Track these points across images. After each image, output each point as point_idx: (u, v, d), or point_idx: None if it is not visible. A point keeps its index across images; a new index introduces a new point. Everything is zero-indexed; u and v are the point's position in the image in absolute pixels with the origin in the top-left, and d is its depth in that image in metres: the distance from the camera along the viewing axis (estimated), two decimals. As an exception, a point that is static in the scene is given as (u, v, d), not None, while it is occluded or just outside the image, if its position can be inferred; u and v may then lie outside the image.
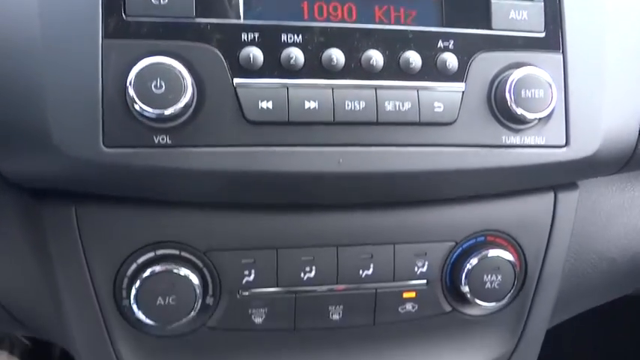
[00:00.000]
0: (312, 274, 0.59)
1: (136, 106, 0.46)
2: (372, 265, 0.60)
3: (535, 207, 0.63)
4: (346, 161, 0.50)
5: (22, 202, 0.56)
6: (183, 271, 0.56)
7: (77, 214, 0.55)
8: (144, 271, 0.55)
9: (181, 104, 0.46)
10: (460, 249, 0.62)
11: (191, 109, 0.48)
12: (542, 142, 0.54)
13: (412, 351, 0.64)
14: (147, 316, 0.55)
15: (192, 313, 0.56)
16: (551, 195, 0.64)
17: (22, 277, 0.59)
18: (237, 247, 0.57)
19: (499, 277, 0.61)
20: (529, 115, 0.52)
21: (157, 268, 0.55)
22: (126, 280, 0.56)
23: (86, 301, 0.56)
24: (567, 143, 0.55)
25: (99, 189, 0.52)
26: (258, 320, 0.59)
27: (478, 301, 0.62)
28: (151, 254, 0.56)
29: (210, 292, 0.58)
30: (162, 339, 0.58)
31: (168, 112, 0.46)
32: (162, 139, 0.48)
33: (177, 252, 0.57)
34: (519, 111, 0.52)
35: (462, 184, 0.56)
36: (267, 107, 0.49)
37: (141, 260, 0.56)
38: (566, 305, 0.73)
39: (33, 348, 1.40)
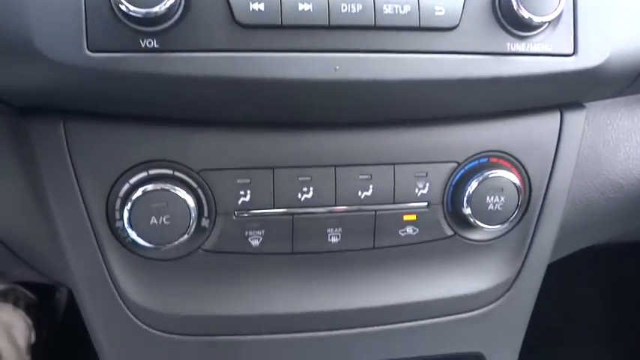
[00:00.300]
0: (310, 194, 0.57)
1: (122, 7, 0.44)
2: (371, 187, 0.58)
3: (540, 127, 0.61)
4: (342, 68, 0.48)
5: (11, 121, 0.55)
6: (177, 190, 0.54)
7: (66, 129, 0.53)
8: (136, 191, 0.54)
9: (168, 3, 0.44)
10: (462, 170, 0.60)
11: (179, 11, 0.46)
12: (549, 50, 0.52)
13: (412, 276, 0.63)
14: (141, 237, 0.54)
15: (187, 235, 0.55)
16: (557, 115, 0.61)
17: (15, 203, 0.58)
18: (232, 167, 0.56)
19: (502, 199, 0.60)
20: (535, 19, 0.49)
21: (150, 187, 0.54)
22: (118, 201, 0.55)
23: (79, 223, 0.55)
24: (575, 52, 0.52)
25: (86, 100, 0.50)
26: (255, 243, 0.58)
27: (480, 224, 0.60)
28: (143, 174, 0.55)
29: (206, 213, 0.56)
30: (157, 262, 0.57)
31: (154, 10, 0.44)
32: (149, 42, 0.46)
33: (170, 172, 0.55)
34: (525, 14, 0.49)
35: (463, 97, 0.54)
36: (259, 9, 0.46)
37: (133, 180, 0.55)
38: (571, 236, 0.71)
39: (37, 302, 1.41)
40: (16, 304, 1.36)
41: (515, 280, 0.66)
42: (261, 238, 0.58)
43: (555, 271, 0.81)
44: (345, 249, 0.60)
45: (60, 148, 0.53)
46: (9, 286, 1.36)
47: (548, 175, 0.62)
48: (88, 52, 0.45)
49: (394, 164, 0.58)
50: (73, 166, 0.54)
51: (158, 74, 0.46)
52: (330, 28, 0.48)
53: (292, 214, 0.57)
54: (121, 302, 0.57)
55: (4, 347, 1.30)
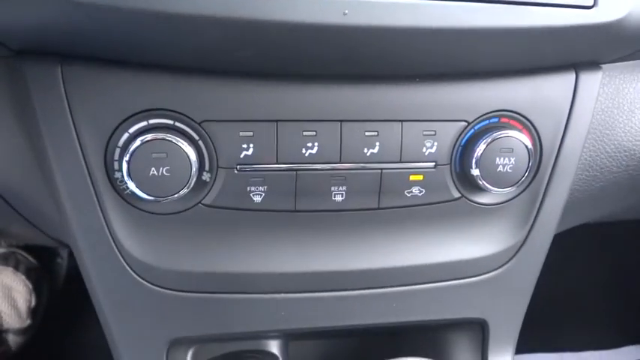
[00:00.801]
0: (315, 150, 0.56)
1: None
2: (377, 144, 0.56)
3: (554, 87, 0.59)
4: (352, 12, 0.46)
5: (7, 66, 0.53)
6: (178, 141, 0.52)
7: (64, 74, 0.51)
8: (135, 141, 0.52)
9: None
10: (472, 130, 0.58)
11: (181, -53, 0.44)
12: (569, 2, 0.49)
13: (417, 238, 0.61)
14: (140, 189, 0.53)
15: (187, 189, 0.54)
16: (572, 75, 0.59)
17: (12, 154, 0.56)
18: (234, 119, 0.54)
19: (512, 161, 0.58)
20: (556, -34, 0.47)
21: (149, 137, 0.52)
22: (117, 151, 0.54)
23: (77, 173, 0.54)
24: (596, 3, 0.50)
25: (84, 41, 0.49)
26: (257, 199, 0.56)
27: (488, 186, 0.59)
28: (143, 123, 0.53)
29: (207, 167, 0.55)
30: (156, 216, 0.56)
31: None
32: (150, -22, 0.44)
33: (171, 122, 0.54)
34: (544, -39, 0.47)
35: (474, 49, 0.52)
36: (266, -54, 0.44)
37: (133, 129, 0.53)
38: (580, 204, 0.70)
39: (38, 266, 1.40)
40: (16, 267, 1.36)
41: (522, 246, 0.65)
42: (263, 194, 0.56)
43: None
44: (349, 208, 0.58)
45: (57, 93, 0.51)
46: (9, 250, 1.36)
47: (560, 138, 0.60)
48: None
49: (402, 121, 0.56)
50: (70, 112, 0.52)
51: (157, 12, 0.44)
52: (340, -31, 0.45)
53: (296, 169, 0.56)
54: (120, 256, 0.56)
55: (4, 310, 1.30)
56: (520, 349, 0.73)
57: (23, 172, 0.57)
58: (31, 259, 1.37)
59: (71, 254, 1.17)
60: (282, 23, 0.45)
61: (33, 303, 1.30)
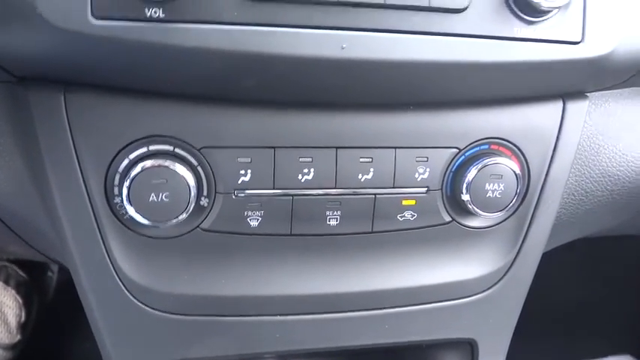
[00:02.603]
0: (310, 176, 0.57)
1: None
2: (371, 170, 0.58)
3: (542, 116, 0.61)
4: (350, 46, 0.48)
5: (11, 91, 0.54)
6: (177, 167, 0.54)
7: (66, 100, 0.52)
8: (136, 167, 0.53)
9: None
10: (463, 156, 0.60)
11: (186, -19, 0.45)
12: (557, 37, 0.52)
13: (409, 261, 0.63)
14: (139, 214, 0.54)
15: (186, 214, 0.55)
16: (560, 104, 0.61)
17: (13, 178, 0.57)
18: (233, 145, 0.55)
19: (501, 186, 0.60)
20: (545, 4, 0.49)
21: (149, 163, 0.53)
22: (117, 176, 0.55)
23: (77, 198, 0.55)
24: (582, 39, 0.52)
25: (87, 70, 0.50)
26: (253, 223, 0.58)
27: (478, 211, 0.60)
28: (143, 149, 0.54)
29: (205, 192, 0.56)
30: (155, 240, 0.57)
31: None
32: (155, 12, 0.45)
33: (171, 148, 0.55)
34: (535, -1, 0.49)
35: (467, 81, 0.54)
36: (268, -17, 0.46)
37: (133, 155, 0.54)
38: (566, 225, 0.72)
39: (28, 280, 1.40)
40: (7, 282, 1.35)
41: (510, 267, 0.66)
42: (260, 219, 0.57)
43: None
44: (344, 232, 0.60)
45: (60, 119, 0.52)
46: (0, 263, 1.35)
47: (547, 164, 0.62)
48: (92, 19, 0.45)
49: (395, 148, 0.58)
50: (72, 138, 0.53)
51: (162, 45, 0.45)
52: (339, 4, 0.47)
53: (292, 195, 0.57)
54: (118, 280, 0.57)
55: (-6, 325, 1.29)
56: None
57: (23, 196, 0.57)
58: (21, 273, 1.37)
59: (61, 268, 1.16)
60: (284, 57, 0.47)
61: (23, 318, 1.30)
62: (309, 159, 0.57)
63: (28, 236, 0.63)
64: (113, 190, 0.55)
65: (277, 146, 0.56)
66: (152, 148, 0.54)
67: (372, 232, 0.60)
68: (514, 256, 0.66)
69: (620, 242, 1.29)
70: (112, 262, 0.56)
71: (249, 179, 0.56)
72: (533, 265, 0.68)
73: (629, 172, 0.70)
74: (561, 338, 1.78)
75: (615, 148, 0.67)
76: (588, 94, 0.63)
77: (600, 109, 0.66)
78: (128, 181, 0.53)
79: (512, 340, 0.72)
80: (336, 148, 0.57)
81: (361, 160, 0.58)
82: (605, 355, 1.89)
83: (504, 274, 0.66)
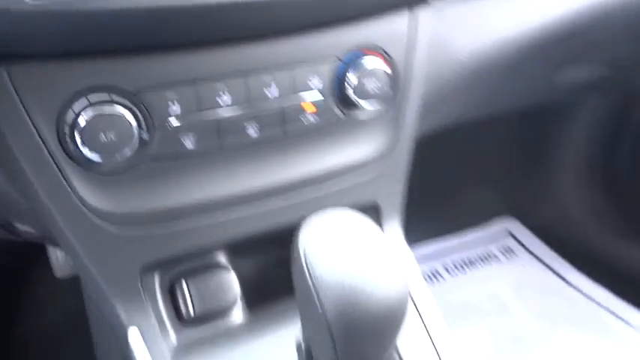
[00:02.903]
0: (229, 100, 0.71)
1: None
2: (276, 87, 0.72)
3: (396, 23, 0.78)
4: None
5: None
6: (117, 110, 0.65)
7: (10, 75, 0.61)
8: (81, 117, 0.64)
9: None
10: (344, 64, 0.76)
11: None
12: None
13: (316, 153, 0.79)
14: (92, 154, 0.65)
15: (132, 148, 0.67)
16: (406, 12, 0.79)
17: None
18: (160, 84, 0.67)
19: (378, 84, 0.77)
20: None
21: (92, 112, 0.64)
22: (67, 128, 0.65)
23: (39, 154, 0.65)
24: None
25: (24, 44, 0.59)
26: (189, 145, 0.71)
27: (363, 106, 0.77)
28: (84, 101, 0.65)
29: (145, 127, 0.68)
30: (112, 176, 0.69)
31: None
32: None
33: (108, 96, 0.66)
34: None
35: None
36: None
37: (76, 108, 0.65)
38: (434, 110, 0.92)
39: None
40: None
41: (393, 146, 0.85)
42: (193, 141, 0.71)
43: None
44: (262, 140, 0.75)
45: (8, 92, 0.61)
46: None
47: (409, 62, 0.80)
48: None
49: (292, 67, 0.73)
50: (23, 106, 0.62)
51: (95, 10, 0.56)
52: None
53: (216, 117, 0.71)
54: (86, 210, 0.69)
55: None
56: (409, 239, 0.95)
57: None
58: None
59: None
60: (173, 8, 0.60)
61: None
62: (226, 87, 0.70)
63: (8, 207, 0.72)
64: (66, 139, 0.65)
65: (197, 78, 0.68)
66: (92, 98, 0.65)
67: (284, 136, 0.76)
68: (395, 137, 0.85)
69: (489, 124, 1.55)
70: (78, 198, 0.68)
71: (179, 111, 0.69)
72: (411, 142, 0.88)
73: (474, 59, 0.90)
74: (448, 209, 2.08)
75: (464, 41, 0.87)
76: (430, 2, 0.81)
77: (444, 12, 0.84)
78: (77, 129, 0.64)
79: (407, 213, 0.92)
80: (245, 74, 0.71)
81: (266, 81, 0.72)
82: (489, 219, 2.25)
83: (390, 152, 0.85)
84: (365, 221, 0.57)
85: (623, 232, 1.98)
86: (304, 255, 0.54)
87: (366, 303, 0.51)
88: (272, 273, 0.88)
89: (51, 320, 1.73)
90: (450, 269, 1.97)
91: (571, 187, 2.04)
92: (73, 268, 1.48)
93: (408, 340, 0.80)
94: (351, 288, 0.51)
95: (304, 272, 0.53)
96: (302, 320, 0.59)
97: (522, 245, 2.07)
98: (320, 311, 0.52)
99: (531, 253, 2.04)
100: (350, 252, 0.53)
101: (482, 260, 2.01)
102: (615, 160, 1.96)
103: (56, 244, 1.03)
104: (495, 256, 2.03)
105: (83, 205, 0.68)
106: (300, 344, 0.60)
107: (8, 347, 1.69)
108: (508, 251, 2.05)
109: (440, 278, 1.92)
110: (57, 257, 1.50)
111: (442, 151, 2.00)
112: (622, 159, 1.94)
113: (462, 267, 1.98)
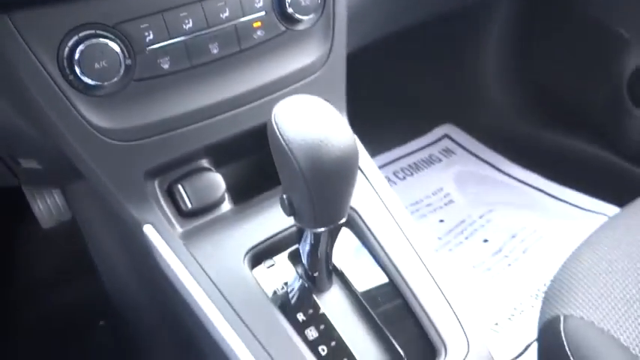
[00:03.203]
0: (191, 24, 0.87)
1: None
2: (227, 9, 0.89)
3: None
4: None
5: None
6: (102, 42, 0.81)
7: (13, 21, 0.76)
8: (75, 51, 0.80)
9: None
10: None
11: None
12: None
13: (268, 64, 0.97)
14: (90, 78, 0.81)
15: (120, 73, 0.83)
16: None
17: None
18: (135, 17, 0.83)
19: None
20: None
21: (82, 46, 0.80)
22: (65, 62, 0.80)
23: (46, 85, 0.80)
24: None
25: None
26: (165, 66, 0.87)
27: (300, 17, 0.95)
28: (75, 37, 0.80)
29: (127, 55, 0.84)
30: (107, 97, 0.85)
31: None
32: None
33: (93, 31, 0.81)
34: None
35: None
36: None
37: (70, 43, 0.80)
38: (362, 19, 1.09)
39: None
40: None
41: (329, 53, 1.03)
42: (169, 62, 0.87)
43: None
44: (222, 55, 0.92)
45: (14, 36, 0.76)
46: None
47: None
48: None
49: None
50: (28, 46, 0.77)
51: None
52: None
53: (184, 39, 0.87)
54: (91, 129, 0.84)
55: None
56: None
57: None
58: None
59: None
60: None
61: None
62: (186, 13, 0.86)
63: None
64: (66, 70, 0.81)
65: (163, 9, 0.84)
66: (80, 34, 0.80)
67: (240, 51, 0.93)
68: (330, 45, 1.03)
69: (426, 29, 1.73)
70: (83, 118, 0.84)
71: (153, 37, 0.85)
72: (344, 48, 1.06)
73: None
74: (394, 124, 2.28)
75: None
76: None
77: None
78: (74, 61, 0.80)
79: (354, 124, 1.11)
80: (200, 1, 0.87)
81: (219, 5, 0.88)
82: (432, 128, 2.47)
83: (327, 59, 1.03)
84: (320, 100, 0.75)
85: (545, 122, 2.25)
86: (277, 125, 0.72)
87: (327, 151, 0.70)
88: (249, 173, 1.07)
89: (45, 268, 1.87)
90: (399, 175, 2.20)
91: (495, 86, 2.28)
92: (56, 217, 1.64)
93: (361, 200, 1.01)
94: (315, 143, 0.70)
95: (279, 138, 0.72)
96: (281, 178, 0.78)
97: (460, 145, 2.32)
98: (295, 164, 0.71)
99: (468, 150, 2.30)
100: (312, 119, 0.72)
101: (426, 163, 2.26)
102: (531, 55, 2.20)
103: (51, 183, 1.19)
104: (438, 158, 2.28)
105: (88, 124, 0.84)
106: (283, 198, 0.79)
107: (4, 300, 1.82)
108: (448, 152, 2.31)
109: (391, 184, 2.16)
110: (40, 209, 1.64)
111: (381, 69, 2.20)
112: (537, 54, 2.19)
113: (409, 172, 2.22)
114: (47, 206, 1.63)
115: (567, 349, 0.97)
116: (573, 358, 0.95)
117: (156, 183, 0.95)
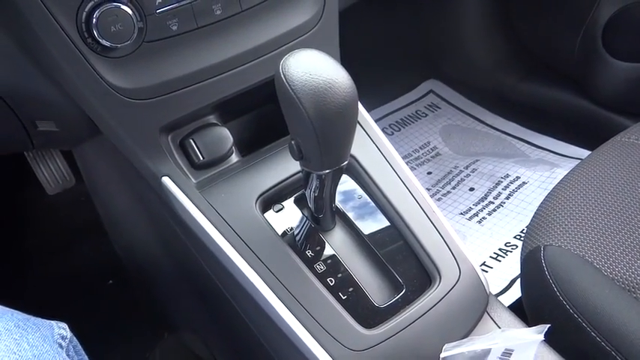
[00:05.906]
0: None
1: None
2: None
3: None
4: None
5: None
6: (118, 7, 0.87)
7: None
8: (93, 15, 0.86)
9: None
10: None
11: None
12: None
13: (268, 22, 1.03)
14: (107, 41, 0.87)
15: (134, 34, 0.89)
16: None
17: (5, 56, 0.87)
18: (144, -17, 0.89)
19: None
20: None
21: (98, 12, 0.86)
22: (84, 26, 0.87)
23: (66, 47, 0.87)
24: None
25: None
26: (174, 27, 0.94)
27: None
28: (91, 2, 0.86)
29: (139, 18, 0.90)
30: (121, 58, 0.91)
31: None
32: None
33: None
34: None
35: None
36: None
37: (87, 9, 0.86)
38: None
39: None
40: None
41: (322, 11, 1.10)
42: (177, 24, 0.94)
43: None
44: (226, 16, 0.98)
45: (37, 3, 0.82)
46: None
47: None
48: None
49: None
50: (50, 12, 0.83)
51: None
52: None
53: (190, 2, 0.93)
54: (109, 88, 0.91)
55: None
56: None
57: (18, 70, 0.88)
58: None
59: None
60: None
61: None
62: None
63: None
64: (84, 34, 0.87)
65: None
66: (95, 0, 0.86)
67: (241, 11, 1.00)
68: (323, 1, 1.09)
69: None
70: (102, 78, 0.90)
71: (162, 0, 0.91)
72: (336, 6, 1.12)
73: None
74: (380, 77, 2.35)
75: None
76: None
77: None
78: (92, 25, 0.86)
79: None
80: None
81: None
82: (417, 84, 2.55)
83: (321, 17, 1.10)
84: (321, 52, 0.83)
85: (524, 74, 2.34)
86: (284, 76, 0.80)
87: (331, 97, 0.78)
88: (252, 127, 1.15)
89: (52, 233, 1.95)
90: (387, 131, 2.29)
91: (476, 40, 2.36)
92: (62, 184, 1.71)
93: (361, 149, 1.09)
94: (320, 90, 0.78)
95: (287, 88, 0.79)
96: (289, 125, 0.86)
97: (444, 100, 2.41)
98: (302, 111, 0.79)
99: (453, 105, 2.39)
100: (316, 69, 0.79)
101: (413, 118, 2.35)
102: (509, 8, 2.28)
103: (64, 144, 1.26)
104: (424, 113, 2.37)
105: (106, 84, 0.91)
106: (292, 144, 0.87)
107: (15, 260, 1.90)
108: (433, 107, 2.39)
109: (380, 139, 2.24)
110: (45, 175, 1.71)
111: (370, 29, 2.26)
112: (515, 8, 2.26)
113: (397, 127, 2.31)
114: (51, 172, 1.70)
115: (547, 273, 1.09)
116: (552, 280, 1.07)
117: (169, 138, 1.02)
